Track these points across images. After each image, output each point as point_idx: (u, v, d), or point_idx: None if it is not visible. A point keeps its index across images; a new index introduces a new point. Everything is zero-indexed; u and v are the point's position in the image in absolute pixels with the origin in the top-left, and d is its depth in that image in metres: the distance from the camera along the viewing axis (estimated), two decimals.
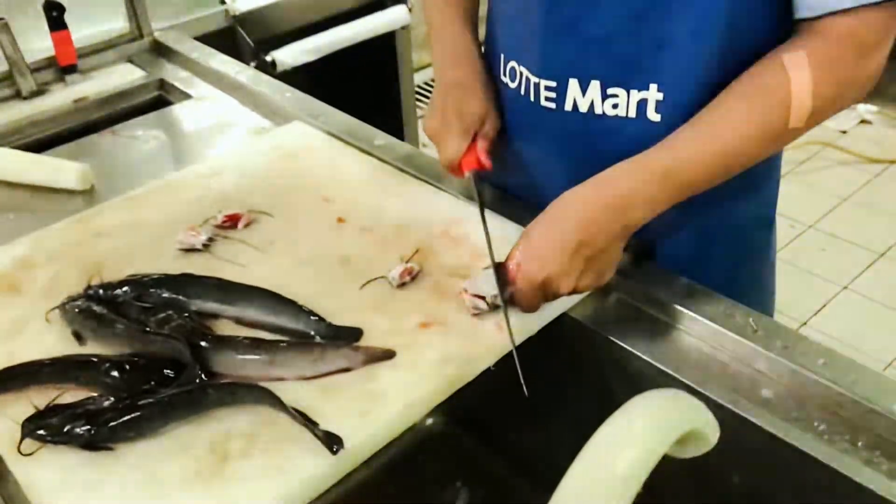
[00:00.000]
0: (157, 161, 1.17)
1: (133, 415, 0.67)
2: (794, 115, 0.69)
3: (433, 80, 0.93)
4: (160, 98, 1.40)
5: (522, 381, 0.70)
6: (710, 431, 0.56)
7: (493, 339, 0.75)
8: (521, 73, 0.84)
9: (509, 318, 0.74)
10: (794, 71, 0.68)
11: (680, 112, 0.75)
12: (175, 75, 1.41)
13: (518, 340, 0.74)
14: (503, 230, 0.86)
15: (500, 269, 0.75)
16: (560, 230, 0.72)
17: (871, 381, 0.68)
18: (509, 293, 0.74)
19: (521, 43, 0.84)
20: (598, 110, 0.79)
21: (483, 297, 0.76)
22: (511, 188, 0.95)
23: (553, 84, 0.81)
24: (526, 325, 0.77)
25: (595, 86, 0.78)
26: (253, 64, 1.69)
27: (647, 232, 0.74)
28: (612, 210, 0.71)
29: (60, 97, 1.35)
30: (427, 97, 3.17)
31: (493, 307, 0.76)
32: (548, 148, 0.87)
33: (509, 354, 0.73)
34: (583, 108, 0.80)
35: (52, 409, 0.68)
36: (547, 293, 0.73)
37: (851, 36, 0.67)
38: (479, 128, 0.86)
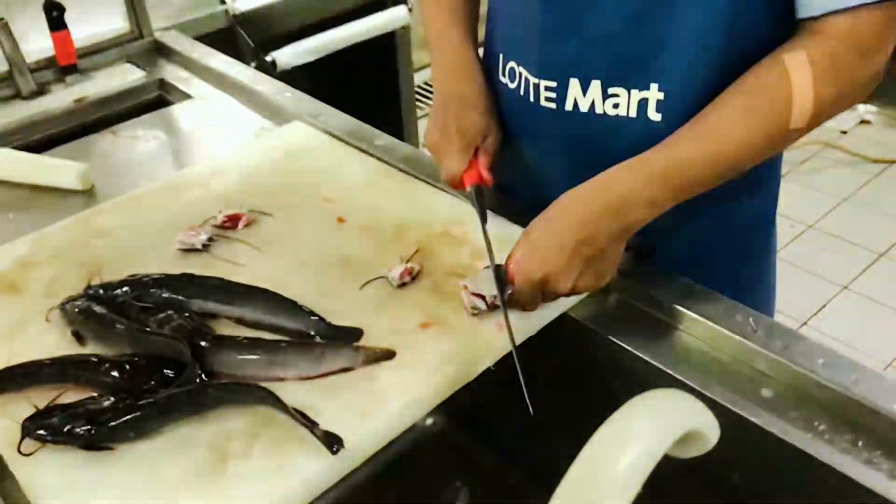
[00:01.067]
0: (157, 161, 1.17)
1: (133, 415, 0.67)
2: (794, 116, 0.69)
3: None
4: (160, 98, 1.40)
5: (527, 398, 0.69)
6: (710, 431, 0.56)
7: (493, 339, 0.75)
8: (521, 74, 0.84)
9: (510, 321, 0.74)
10: (795, 71, 0.68)
11: (681, 112, 0.75)
12: (175, 75, 1.41)
13: (518, 340, 0.74)
14: (503, 230, 0.86)
15: (500, 272, 0.75)
16: (559, 229, 0.72)
17: (871, 381, 0.68)
18: (508, 293, 0.74)
19: (520, 43, 0.84)
20: (598, 110, 0.79)
21: (483, 297, 0.76)
22: (511, 188, 0.95)
23: (553, 84, 0.81)
24: (526, 325, 0.77)
25: (596, 85, 0.78)
26: (253, 64, 1.69)
27: (647, 232, 0.74)
28: (611, 210, 0.71)
29: (60, 97, 1.35)
30: (427, 97, 3.17)
31: (492, 307, 0.76)
32: (548, 148, 0.87)
33: (509, 354, 0.73)
34: (583, 108, 0.80)
35: (52, 409, 0.68)
36: (545, 292, 0.73)
37: (852, 35, 0.67)
38: (481, 142, 0.85)
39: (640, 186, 0.71)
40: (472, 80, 0.88)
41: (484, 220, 0.82)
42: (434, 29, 0.92)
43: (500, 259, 0.76)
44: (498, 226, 0.86)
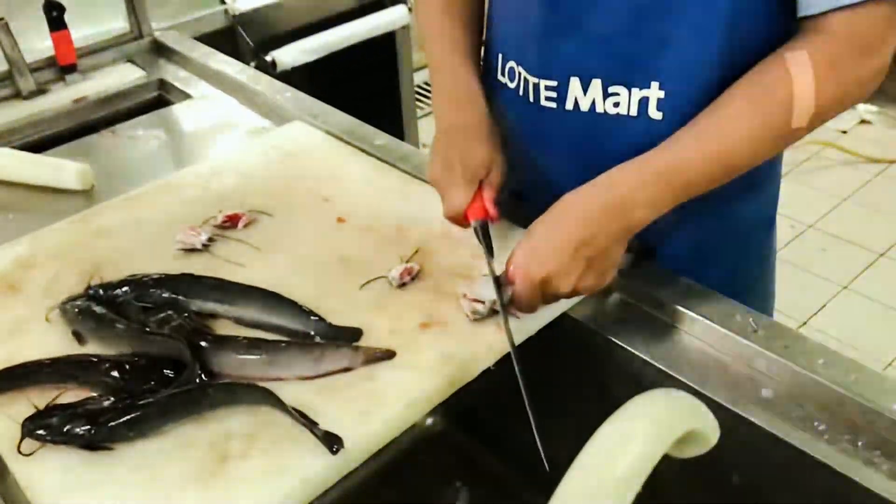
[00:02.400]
0: (157, 161, 1.17)
1: (133, 415, 0.67)
2: (796, 115, 0.69)
3: None
4: (160, 98, 1.40)
5: (538, 441, 0.67)
6: (710, 431, 0.56)
7: (493, 339, 0.75)
8: (520, 74, 0.84)
9: (509, 325, 0.74)
10: (797, 70, 0.68)
11: (682, 110, 0.75)
12: (175, 75, 1.41)
13: (518, 341, 0.74)
14: (505, 233, 0.86)
15: (499, 280, 0.75)
16: (560, 230, 0.72)
17: (871, 381, 0.68)
18: (509, 295, 0.74)
19: (520, 43, 0.84)
20: (599, 109, 0.79)
21: (482, 302, 0.76)
22: (512, 189, 0.94)
23: (553, 84, 0.81)
24: (525, 325, 0.77)
25: (596, 84, 0.78)
26: (253, 64, 1.69)
27: (647, 232, 0.74)
28: (612, 211, 0.71)
29: (60, 97, 1.35)
30: (427, 97, 3.17)
31: (492, 312, 0.76)
32: (548, 148, 0.87)
33: (509, 354, 0.73)
34: (584, 108, 0.80)
35: (52, 409, 0.68)
36: (546, 293, 0.73)
37: (854, 34, 0.67)
38: (485, 175, 0.81)
39: (641, 187, 0.71)
40: (475, 111, 0.85)
41: (491, 255, 0.79)
42: (435, 56, 0.90)
43: (499, 266, 0.76)
44: (499, 226, 0.86)
